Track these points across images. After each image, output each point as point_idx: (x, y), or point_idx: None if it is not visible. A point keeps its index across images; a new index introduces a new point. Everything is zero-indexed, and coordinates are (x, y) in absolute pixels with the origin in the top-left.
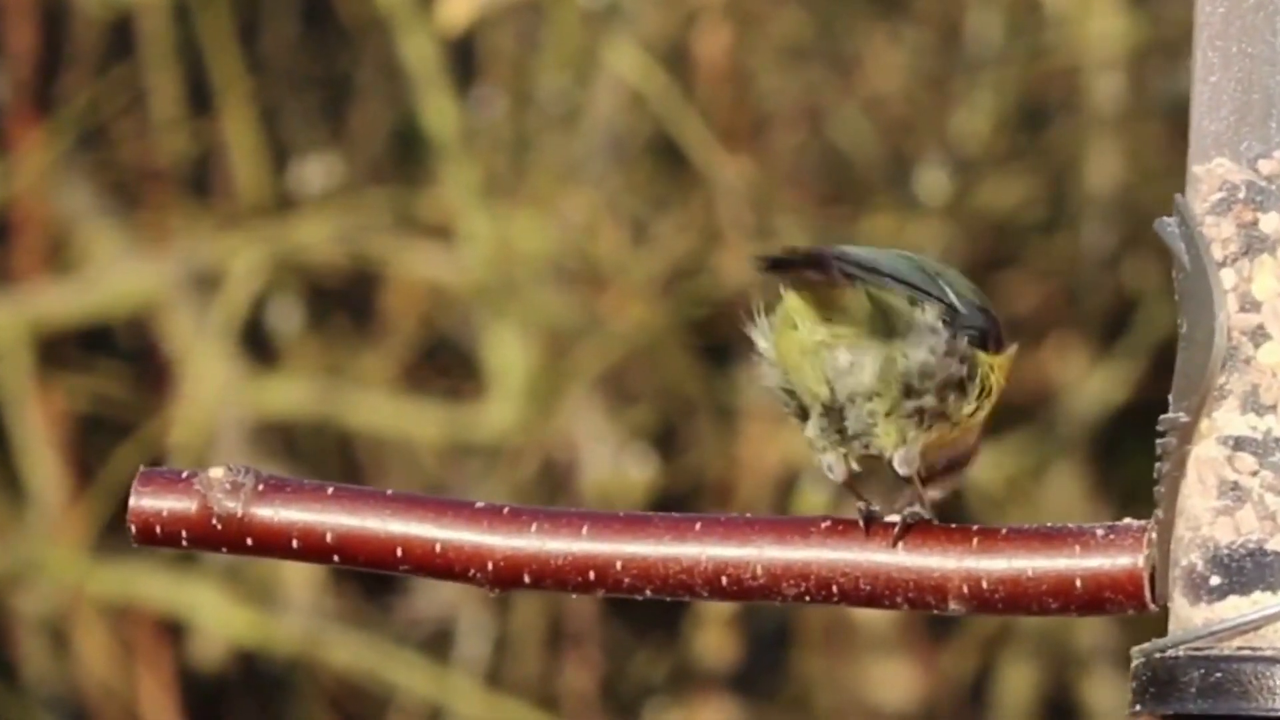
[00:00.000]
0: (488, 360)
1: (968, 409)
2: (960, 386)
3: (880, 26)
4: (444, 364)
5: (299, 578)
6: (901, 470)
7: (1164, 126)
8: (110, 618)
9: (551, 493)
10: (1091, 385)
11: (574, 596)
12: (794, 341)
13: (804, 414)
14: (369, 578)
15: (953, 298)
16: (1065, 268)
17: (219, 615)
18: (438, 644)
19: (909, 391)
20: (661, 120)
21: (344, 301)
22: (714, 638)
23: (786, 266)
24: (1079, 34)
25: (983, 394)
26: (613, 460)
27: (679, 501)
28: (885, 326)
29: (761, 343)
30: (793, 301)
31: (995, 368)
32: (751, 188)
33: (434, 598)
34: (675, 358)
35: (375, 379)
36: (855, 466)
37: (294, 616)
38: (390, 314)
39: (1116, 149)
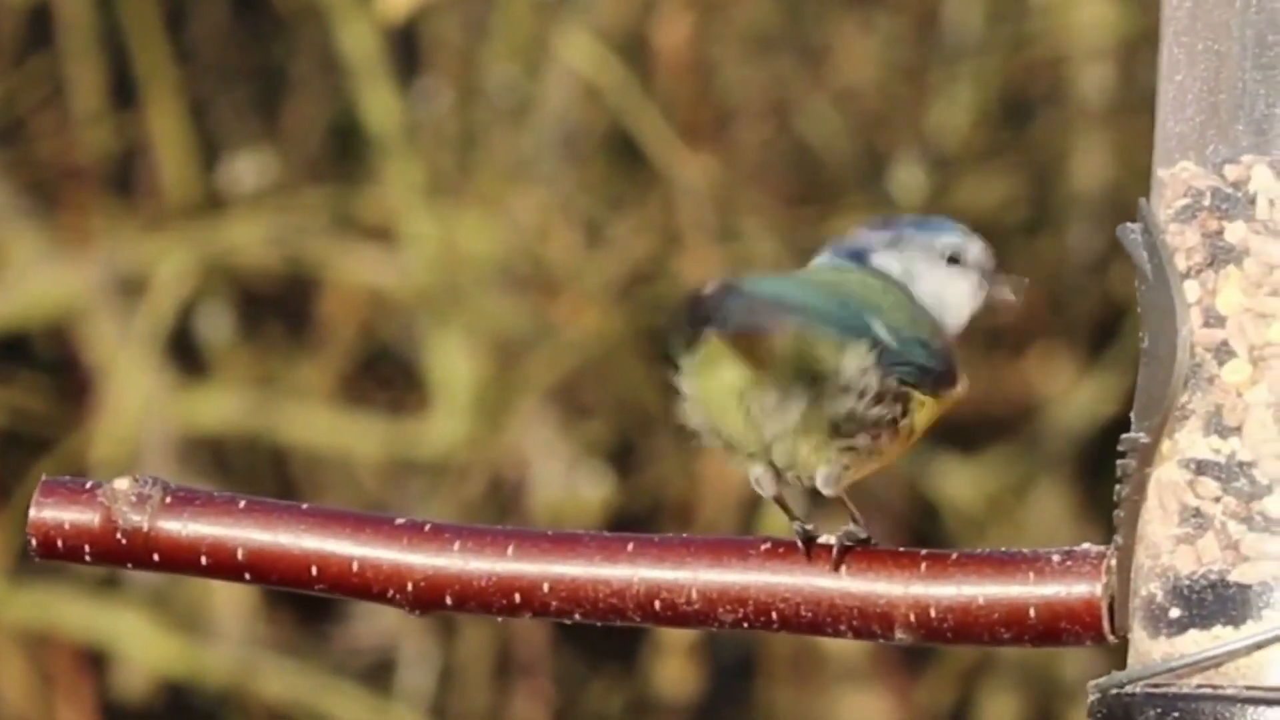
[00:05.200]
0: (432, 371)
1: (896, 448)
2: (893, 425)
3: (852, 14)
4: (385, 375)
5: (229, 603)
6: (826, 491)
7: (1153, 122)
8: (28, 646)
9: (500, 513)
10: (1078, 397)
11: (523, 621)
12: (717, 383)
13: (732, 449)
14: (305, 602)
15: (883, 335)
16: (1050, 272)
17: (144, 643)
18: (378, 674)
19: (837, 432)
20: (618, 114)
21: (278, 308)
22: (673, 667)
23: (700, 319)
24: (1064, 22)
25: (910, 434)
26: (565, 478)
27: (637, 522)
28: (811, 369)
29: (684, 384)
30: (715, 343)
31: (925, 405)
32: (714, 187)
33: (374, 624)
34: (632, 368)
35: (312, 391)
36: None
37: (224, 644)
38: (328, 321)
39: (1104, 145)
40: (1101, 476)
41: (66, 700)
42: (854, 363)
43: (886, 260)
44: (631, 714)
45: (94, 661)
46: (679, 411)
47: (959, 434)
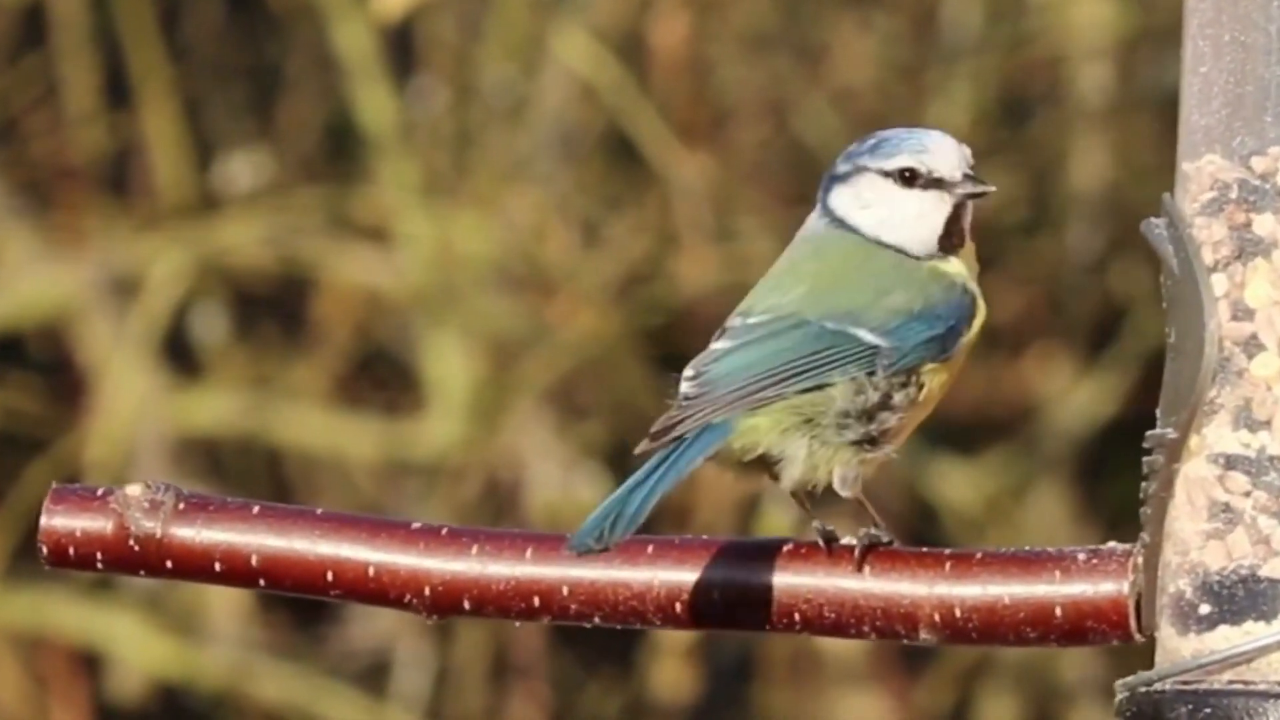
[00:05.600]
0: (427, 372)
1: (918, 415)
2: (911, 402)
3: (850, 13)
4: (380, 376)
5: (225, 605)
6: (843, 493)
7: (1155, 120)
8: (22, 648)
9: (496, 515)
10: (1077, 398)
11: (519, 625)
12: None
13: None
14: (300, 605)
15: (869, 338)
16: (1049, 272)
17: (139, 646)
18: (374, 676)
19: (859, 448)
20: (615, 114)
21: (273, 309)
22: (670, 669)
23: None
24: (1063, 21)
25: (929, 400)
26: (562, 479)
27: None
28: (795, 423)
29: None
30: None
31: (937, 372)
32: (712, 187)
33: (370, 627)
34: (629, 369)
35: (306, 392)
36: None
37: (219, 647)
38: (323, 322)
39: (1104, 144)
40: (1101, 478)
41: (61, 703)
42: (843, 394)
43: (840, 199)
44: (628, 717)
45: (89, 664)
46: None
47: (957, 435)
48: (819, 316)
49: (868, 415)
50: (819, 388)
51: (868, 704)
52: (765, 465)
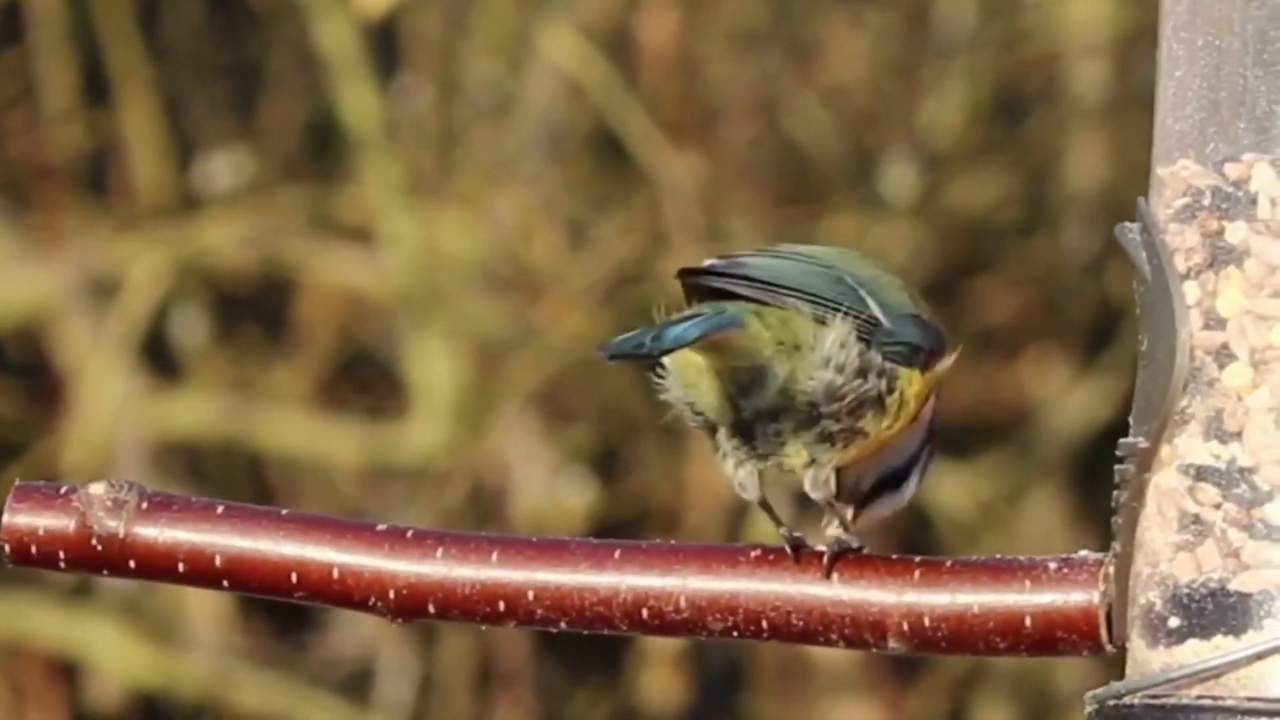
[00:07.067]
0: (411, 375)
1: (885, 424)
2: (879, 403)
3: (842, 9)
4: (364, 379)
5: (204, 612)
6: (814, 494)
7: (1151, 119)
8: None
9: (481, 520)
10: (1073, 402)
11: (504, 630)
12: (691, 357)
13: (712, 429)
14: (282, 611)
15: (875, 310)
16: (1044, 273)
17: (117, 654)
18: (357, 685)
19: (816, 411)
20: (602, 112)
21: (254, 310)
22: (659, 677)
23: (693, 278)
24: (1059, 18)
25: (900, 409)
26: (548, 484)
27: (621, 529)
28: (788, 344)
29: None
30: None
31: (913, 381)
32: (701, 186)
33: (352, 634)
34: (617, 373)
35: (288, 395)
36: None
37: (199, 655)
38: (305, 324)
39: (1100, 143)
40: (1097, 483)
41: (39, 711)
42: (836, 335)
43: None
44: None
45: (66, 672)
46: (658, 386)
47: (952, 439)
48: (843, 270)
49: (839, 369)
50: (820, 321)
51: (859, 712)
52: (744, 378)
